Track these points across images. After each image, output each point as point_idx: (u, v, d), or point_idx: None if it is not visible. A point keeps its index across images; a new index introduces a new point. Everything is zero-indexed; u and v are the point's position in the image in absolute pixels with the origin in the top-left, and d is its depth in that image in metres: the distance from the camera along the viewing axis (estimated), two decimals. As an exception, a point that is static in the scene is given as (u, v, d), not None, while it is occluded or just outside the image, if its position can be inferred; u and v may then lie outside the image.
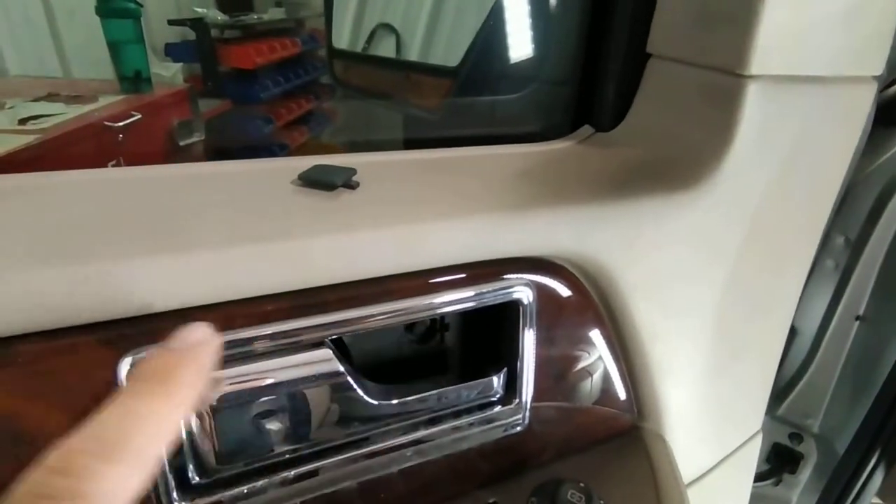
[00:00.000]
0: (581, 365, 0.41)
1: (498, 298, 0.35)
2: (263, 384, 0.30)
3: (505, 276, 0.36)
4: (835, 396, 0.83)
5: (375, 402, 0.33)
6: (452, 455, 0.38)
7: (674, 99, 0.42)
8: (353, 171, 0.35)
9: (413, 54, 0.65)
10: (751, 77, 0.36)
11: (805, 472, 0.88)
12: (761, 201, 0.42)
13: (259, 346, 0.29)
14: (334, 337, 0.32)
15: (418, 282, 0.33)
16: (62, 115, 1.28)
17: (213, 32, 1.99)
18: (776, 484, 0.90)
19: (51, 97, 1.41)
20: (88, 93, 1.43)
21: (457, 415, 0.37)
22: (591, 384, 0.42)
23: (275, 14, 2.26)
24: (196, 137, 1.56)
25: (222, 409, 0.29)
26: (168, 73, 1.93)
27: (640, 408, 0.46)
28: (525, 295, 0.36)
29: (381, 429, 0.35)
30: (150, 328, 0.27)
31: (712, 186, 0.38)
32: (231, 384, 0.29)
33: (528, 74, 0.51)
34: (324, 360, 0.31)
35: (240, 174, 0.37)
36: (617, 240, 0.38)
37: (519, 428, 0.40)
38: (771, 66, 0.36)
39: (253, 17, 2.13)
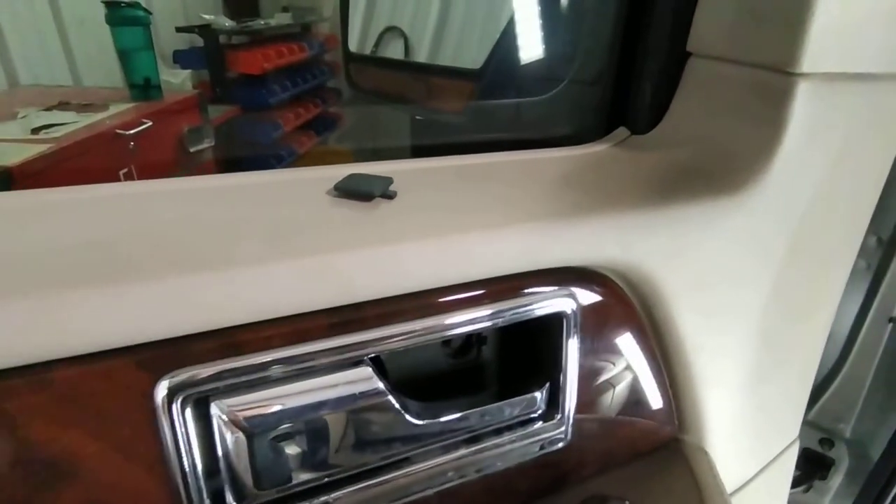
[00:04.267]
0: (623, 377, 0.40)
1: (541, 310, 0.34)
2: (302, 405, 0.29)
3: (548, 287, 0.34)
4: (868, 400, 0.80)
5: (418, 422, 0.32)
6: (492, 474, 0.36)
7: (717, 99, 0.40)
8: (389, 181, 0.34)
9: (435, 57, 0.64)
10: (801, 75, 0.35)
11: (836, 479, 0.86)
12: (809, 202, 0.40)
13: (298, 365, 0.28)
14: (373, 355, 0.30)
15: (459, 295, 0.32)
16: (74, 123, 1.28)
17: (221, 38, 1.99)
18: (806, 490, 0.87)
19: (62, 106, 1.40)
20: (99, 101, 1.42)
21: (498, 432, 0.36)
22: (634, 396, 0.41)
23: (282, 19, 2.26)
24: (206, 143, 1.56)
25: (259, 431, 0.28)
26: (177, 80, 1.94)
27: (681, 420, 0.45)
28: (568, 306, 0.35)
29: (422, 448, 0.33)
30: (186, 350, 0.26)
31: (760, 189, 0.37)
32: (268, 405, 0.28)
33: (559, 74, 0.49)
34: (364, 378, 0.30)
35: (274, 185, 0.36)
36: (663, 247, 0.36)
37: (561, 444, 0.38)
38: (822, 64, 0.35)
39: (260, 23, 2.13)
